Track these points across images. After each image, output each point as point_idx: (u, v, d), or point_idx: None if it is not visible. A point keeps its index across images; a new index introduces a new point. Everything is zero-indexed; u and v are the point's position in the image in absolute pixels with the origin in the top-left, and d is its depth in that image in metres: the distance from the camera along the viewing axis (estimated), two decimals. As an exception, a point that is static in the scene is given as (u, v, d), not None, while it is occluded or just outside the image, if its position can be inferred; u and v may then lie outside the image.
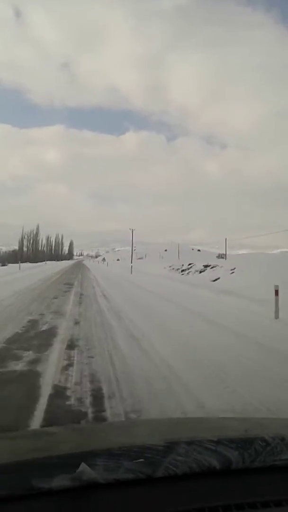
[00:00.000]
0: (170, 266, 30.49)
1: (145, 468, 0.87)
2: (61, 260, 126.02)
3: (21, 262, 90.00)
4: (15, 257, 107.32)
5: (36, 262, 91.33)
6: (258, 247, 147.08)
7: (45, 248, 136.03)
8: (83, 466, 0.82)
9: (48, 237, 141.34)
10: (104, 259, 65.89)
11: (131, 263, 47.19)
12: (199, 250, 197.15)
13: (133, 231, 72.14)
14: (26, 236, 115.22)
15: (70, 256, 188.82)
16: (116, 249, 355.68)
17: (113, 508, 0.82)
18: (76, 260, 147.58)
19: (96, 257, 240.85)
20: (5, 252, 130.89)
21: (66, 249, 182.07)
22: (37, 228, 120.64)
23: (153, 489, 0.87)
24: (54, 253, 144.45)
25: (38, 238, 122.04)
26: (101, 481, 0.82)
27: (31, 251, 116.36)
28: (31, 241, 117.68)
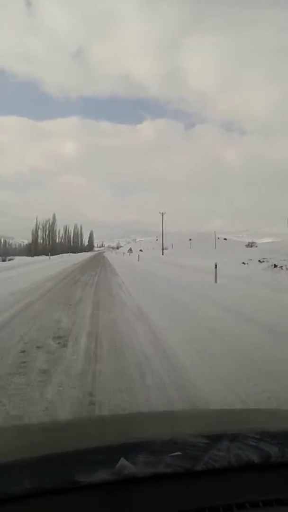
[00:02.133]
0: (261, 261, 17.69)
1: (185, 463, 0.86)
2: (80, 252, 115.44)
3: (35, 255, 79.60)
4: (35, 249, 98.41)
5: (52, 255, 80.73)
6: (280, 235, 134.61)
7: (63, 240, 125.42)
8: (122, 461, 0.81)
9: (66, 228, 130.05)
10: (130, 250, 53.24)
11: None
12: (225, 239, 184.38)
13: (162, 216, 59.33)
14: (41, 227, 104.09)
15: (90, 247, 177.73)
16: (137, 240, 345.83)
17: (151, 501, 0.82)
18: (96, 252, 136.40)
19: (118, 248, 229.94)
20: (25, 245, 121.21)
21: (86, 240, 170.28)
22: (54, 218, 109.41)
23: (192, 483, 0.87)
24: (73, 245, 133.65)
25: (54, 228, 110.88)
26: (141, 476, 0.82)
27: (47, 243, 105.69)
28: (47, 232, 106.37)
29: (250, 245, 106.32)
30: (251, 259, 18.89)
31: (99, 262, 31.35)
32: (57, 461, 0.88)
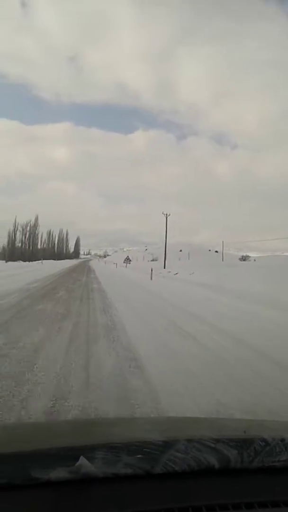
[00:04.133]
0: None
1: (143, 464, 0.86)
2: (64, 259, 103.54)
3: (9, 261, 67.66)
4: (11, 254, 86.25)
5: (31, 261, 69.07)
6: (266, 250, 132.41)
7: (45, 245, 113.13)
8: (82, 460, 0.81)
9: (49, 232, 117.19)
10: (128, 260, 40.86)
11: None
12: (216, 251, 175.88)
13: (166, 218, 48.43)
14: (20, 229, 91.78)
15: (76, 254, 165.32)
16: (125, 249, 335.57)
17: (110, 502, 0.81)
18: (82, 260, 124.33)
19: (105, 256, 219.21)
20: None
21: (72, 247, 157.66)
22: (36, 220, 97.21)
23: (151, 485, 0.86)
24: (58, 251, 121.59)
25: (36, 232, 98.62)
26: (100, 475, 0.82)
27: (27, 247, 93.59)
28: (26, 235, 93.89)
29: (244, 258, 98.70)
30: None
31: (84, 270, 23.91)
32: (14, 458, 0.87)
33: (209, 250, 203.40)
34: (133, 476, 0.85)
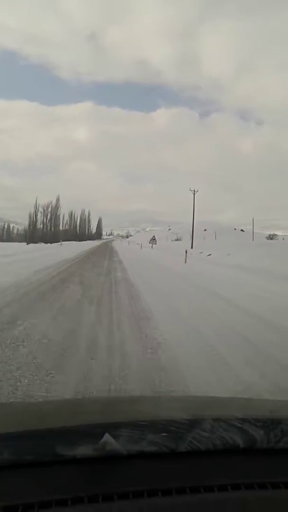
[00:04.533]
0: None
1: (168, 442, 0.86)
2: (86, 240, 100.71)
3: (31, 242, 65.27)
4: (31, 236, 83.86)
5: (52, 243, 66.56)
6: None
7: (67, 226, 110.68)
8: (106, 437, 0.82)
9: (71, 213, 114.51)
10: (153, 240, 36.67)
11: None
12: (242, 230, 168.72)
13: (194, 195, 44.13)
14: (42, 210, 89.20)
15: (98, 235, 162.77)
16: (147, 229, 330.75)
17: (135, 479, 0.82)
18: (104, 241, 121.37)
19: (127, 237, 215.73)
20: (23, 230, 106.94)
21: (94, 228, 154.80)
22: (57, 201, 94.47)
23: (176, 463, 0.86)
24: (80, 232, 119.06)
25: (58, 213, 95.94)
26: (124, 452, 0.82)
27: (48, 229, 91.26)
28: (48, 217, 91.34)
29: (271, 237, 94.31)
30: None
31: (106, 253, 21.67)
32: (40, 435, 0.88)
33: (234, 229, 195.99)
34: (158, 454, 0.85)
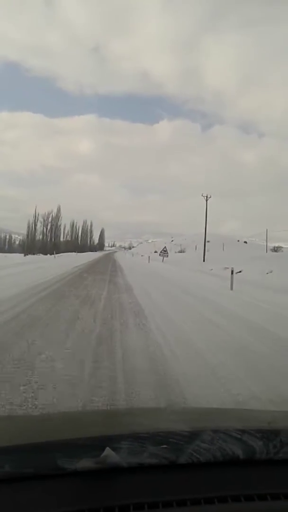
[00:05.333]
0: None
1: (168, 454, 0.85)
2: (88, 251, 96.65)
3: (29, 254, 61.15)
4: (30, 246, 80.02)
5: (52, 254, 62.64)
6: None
7: (69, 237, 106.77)
8: (107, 450, 0.81)
9: (72, 223, 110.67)
10: (164, 251, 31.21)
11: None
12: (245, 242, 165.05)
13: (206, 200, 40.20)
14: (42, 220, 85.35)
15: (100, 247, 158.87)
16: (150, 240, 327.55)
17: (135, 491, 0.82)
18: (106, 252, 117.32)
19: (130, 248, 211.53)
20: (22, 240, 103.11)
21: (96, 239, 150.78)
22: (58, 210, 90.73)
23: (176, 475, 0.86)
24: (81, 243, 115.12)
25: (59, 223, 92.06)
26: (124, 465, 0.82)
27: (48, 239, 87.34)
28: (48, 227, 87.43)
29: (276, 249, 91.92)
30: None
31: (107, 271, 15.21)
32: (42, 448, 0.87)
33: (238, 241, 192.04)
34: (158, 466, 0.84)
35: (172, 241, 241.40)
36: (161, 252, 32.33)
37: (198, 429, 0.95)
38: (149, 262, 31.49)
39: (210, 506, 0.77)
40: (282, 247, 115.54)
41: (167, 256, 32.37)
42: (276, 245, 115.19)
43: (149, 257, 37.52)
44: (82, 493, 0.79)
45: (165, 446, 0.86)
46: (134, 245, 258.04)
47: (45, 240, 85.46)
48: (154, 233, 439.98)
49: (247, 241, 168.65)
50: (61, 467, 0.79)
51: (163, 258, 31.69)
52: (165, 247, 32.95)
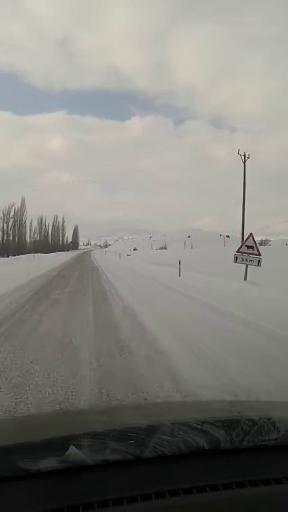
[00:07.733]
0: None
1: (132, 449, 0.85)
2: (60, 251, 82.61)
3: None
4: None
5: (16, 255, 48.64)
6: (270, 234, 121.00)
7: (37, 235, 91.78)
8: (71, 449, 0.80)
9: (40, 219, 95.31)
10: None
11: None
12: (228, 236, 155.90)
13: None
14: (2, 216, 70.33)
15: (74, 245, 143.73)
16: (125, 238, 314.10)
17: (102, 488, 0.81)
18: (81, 251, 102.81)
19: (106, 246, 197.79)
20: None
21: (70, 237, 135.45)
22: (22, 204, 75.74)
23: (142, 470, 0.85)
24: (52, 242, 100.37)
25: (23, 219, 77.22)
26: (90, 463, 0.81)
27: (11, 238, 72.53)
28: (9, 223, 72.45)
29: (263, 243, 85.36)
30: None
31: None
32: (1, 451, 0.85)
33: (220, 235, 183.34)
34: (124, 462, 0.84)
35: (150, 237, 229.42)
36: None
37: (156, 422, 0.93)
38: (145, 268, 18.15)
39: (175, 498, 0.77)
40: (270, 240, 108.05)
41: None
42: (265, 238, 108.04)
43: (126, 254, 24.04)
44: (46, 493, 0.77)
45: (128, 441, 0.84)
46: (110, 243, 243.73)
47: (6, 240, 70.70)
48: (129, 230, 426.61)
49: (229, 235, 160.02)
50: (23, 469, 0.77)
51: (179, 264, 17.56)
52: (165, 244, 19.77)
